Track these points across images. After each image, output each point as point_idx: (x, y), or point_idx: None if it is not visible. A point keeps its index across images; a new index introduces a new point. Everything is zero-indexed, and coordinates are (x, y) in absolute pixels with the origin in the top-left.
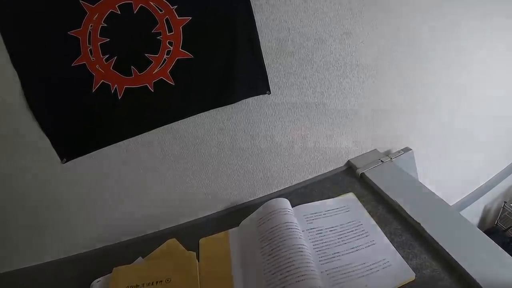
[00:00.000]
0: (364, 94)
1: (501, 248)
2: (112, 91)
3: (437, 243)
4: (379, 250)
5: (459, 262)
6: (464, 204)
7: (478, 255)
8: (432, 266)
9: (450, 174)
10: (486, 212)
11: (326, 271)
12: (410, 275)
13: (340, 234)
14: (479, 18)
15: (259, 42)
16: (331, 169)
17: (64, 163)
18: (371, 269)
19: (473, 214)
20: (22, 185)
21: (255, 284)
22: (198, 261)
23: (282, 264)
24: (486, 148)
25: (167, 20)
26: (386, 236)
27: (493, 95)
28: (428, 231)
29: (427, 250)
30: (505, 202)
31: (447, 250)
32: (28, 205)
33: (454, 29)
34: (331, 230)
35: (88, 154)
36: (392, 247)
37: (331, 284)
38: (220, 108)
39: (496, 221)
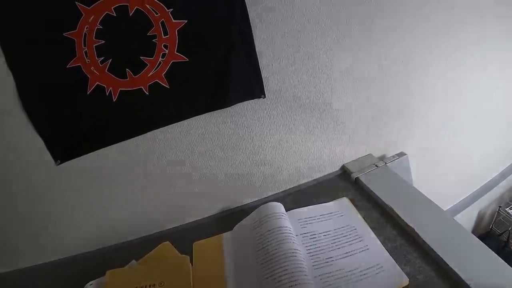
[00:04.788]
0: (359, 100)
1: (495, 254)
2: (107, 94)
3: (431, 248)
4: (373, 255)
5: (453, 268)
6: (458, 208)
7: (472, 261)
8: (426, 272)
9: (444, 179)
10: (481, 217)
11: (319, 276)
12: (404, 280)
13: (334, 239)
14: (478, 29)
15: (254, 46)
16: (325, 174)
17: (58, 164)
18: (364, 274)
19: (467, 218)
20: (16, 186)
21: None
22: (192, 265)
23: (275, 269)
24: (481, 153)
25: (162, 23)
26: (380, 241)
27: (487, 103)
28: (422, 236)
29: (421, 256)
30: (500, 206)
31: (441, 256)
32: (20, 205)
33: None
34: (325, 235)
35: (82, 156)
36: (386, 252)
37: None
38: (214, 112)
39: (491, 226)
